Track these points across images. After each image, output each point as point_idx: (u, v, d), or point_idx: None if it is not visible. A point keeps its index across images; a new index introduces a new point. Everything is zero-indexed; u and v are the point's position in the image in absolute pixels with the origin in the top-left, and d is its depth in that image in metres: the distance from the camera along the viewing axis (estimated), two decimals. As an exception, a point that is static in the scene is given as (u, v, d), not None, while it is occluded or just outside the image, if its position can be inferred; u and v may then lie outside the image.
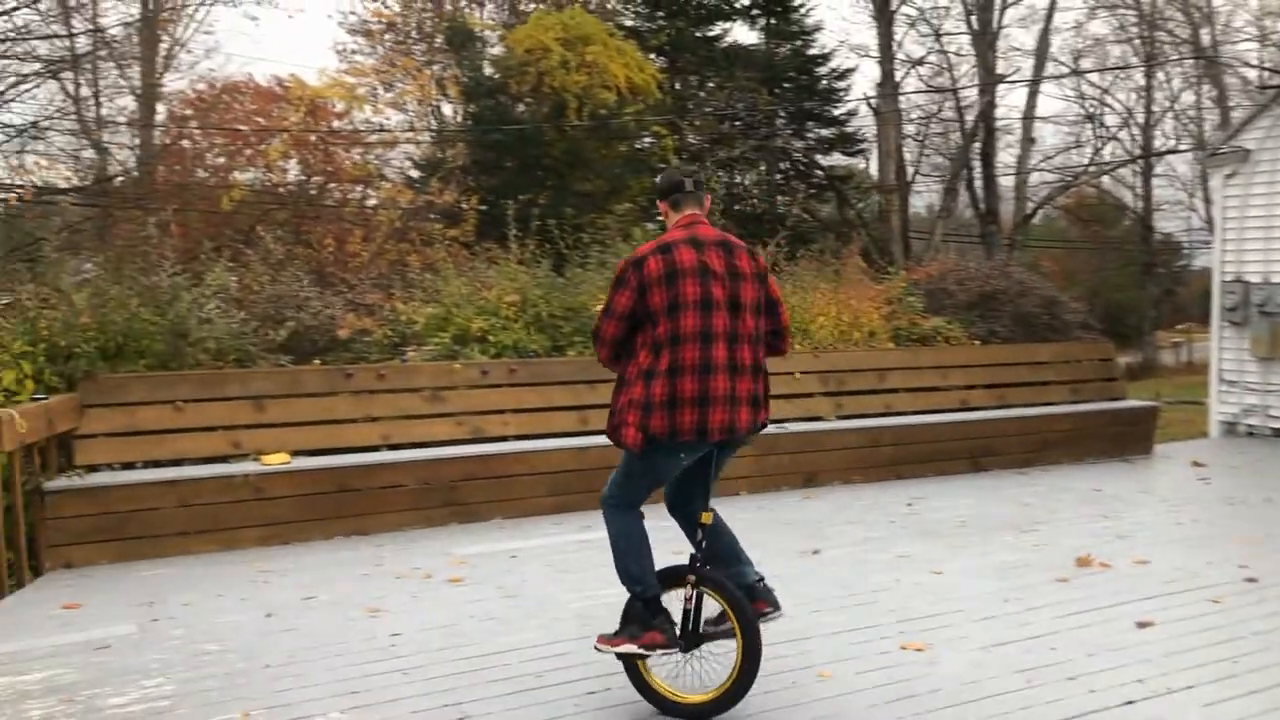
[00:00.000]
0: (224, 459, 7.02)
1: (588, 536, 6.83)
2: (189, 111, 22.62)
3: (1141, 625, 4.91)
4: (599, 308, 8.70)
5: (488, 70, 20.53)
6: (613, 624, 4.93)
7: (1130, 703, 3.99)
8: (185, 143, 21.62)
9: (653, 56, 22.91)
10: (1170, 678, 4.24)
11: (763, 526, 7.07)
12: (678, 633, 3.98)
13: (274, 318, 8.01)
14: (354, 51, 25.42)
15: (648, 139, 22.02)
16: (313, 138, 19.70)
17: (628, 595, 4.08)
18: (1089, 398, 10.17)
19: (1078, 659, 4.48)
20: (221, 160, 21.04)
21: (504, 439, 7.73)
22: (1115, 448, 9.84)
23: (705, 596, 4.00)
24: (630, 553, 4.11)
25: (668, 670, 4.11)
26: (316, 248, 17.12)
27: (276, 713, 4.00)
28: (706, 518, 4.11)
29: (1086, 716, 3.87)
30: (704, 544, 4.10)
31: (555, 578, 5.85)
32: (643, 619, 3.97)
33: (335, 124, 20.42)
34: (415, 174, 21.14)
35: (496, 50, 22.34)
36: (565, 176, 19.32)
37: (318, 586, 5.75)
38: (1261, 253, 10.93)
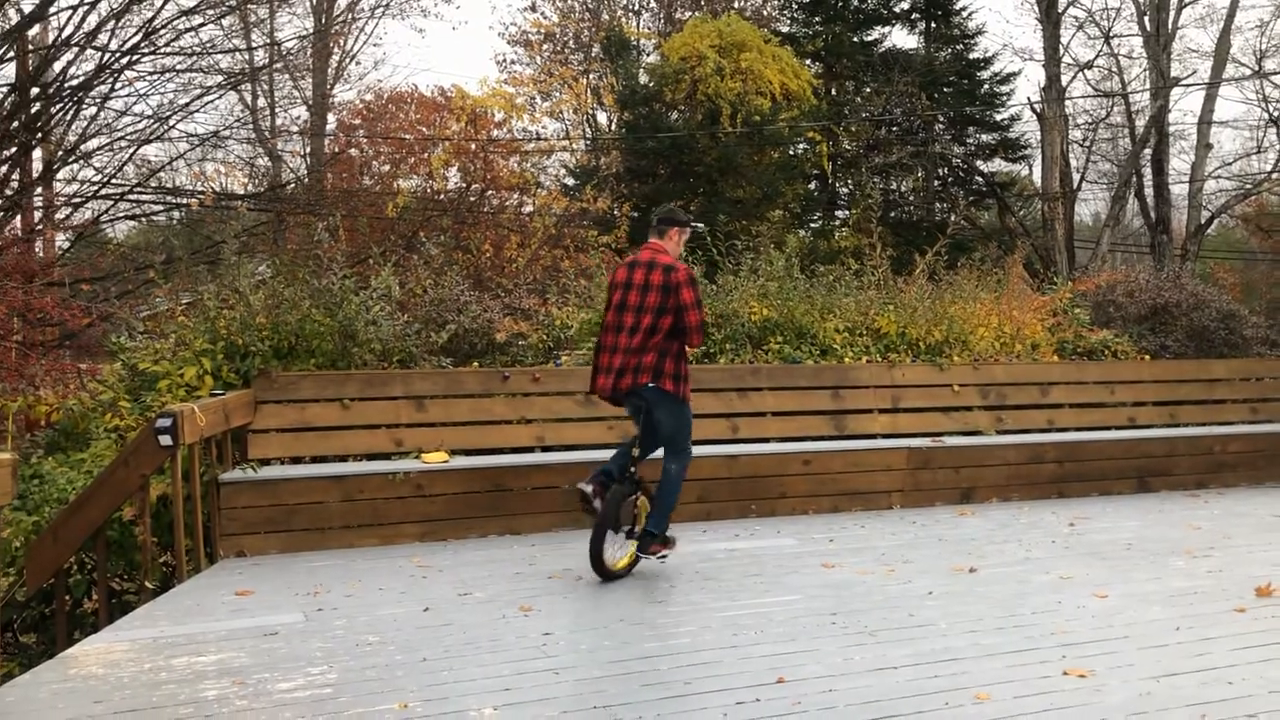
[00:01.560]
0: (386, 456, 7.27)
1: (737, 545, 6.81)
2: (357, 121, 23.61)
3: (1330, 662, 4.60)
4: (752, 313, 8.70)
5: (643, 79, 20.72)
6: (765, 632, 4.94)
7: (1317, 745, 3.74)
8: (353, 151, 22.58)
9: (809, 62, 22.72)
10: (1363, 720, 3.95)
11: (917, 543, 6.92)
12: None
13: (435, 320, 8.26)
14: (513, 62, 26.07)
15: (802, 145, 21.84)
16: (473, 146, 20.27)
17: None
18: (1270, 417, 9.59)
19: (1259, 695, 4.22)
20: (387, 168, 21.89)
21: (655, 445, 7.77)
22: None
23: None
24: None
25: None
26: (475, 253, 17.60)
27: (432, 705, 4.11)
28: (636, 453, 6.06)
29: (1268, 757, 3.64)
30: (633, 470, 6.03)
31: (703, 585, 5.85)
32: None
33: (494, 133, 20.97)
34: (570, 181, 21.51)
35: (652, 59, 22.52)
36: (717, 183, 19.33)
37: (473, 583, 5.90)
38: None
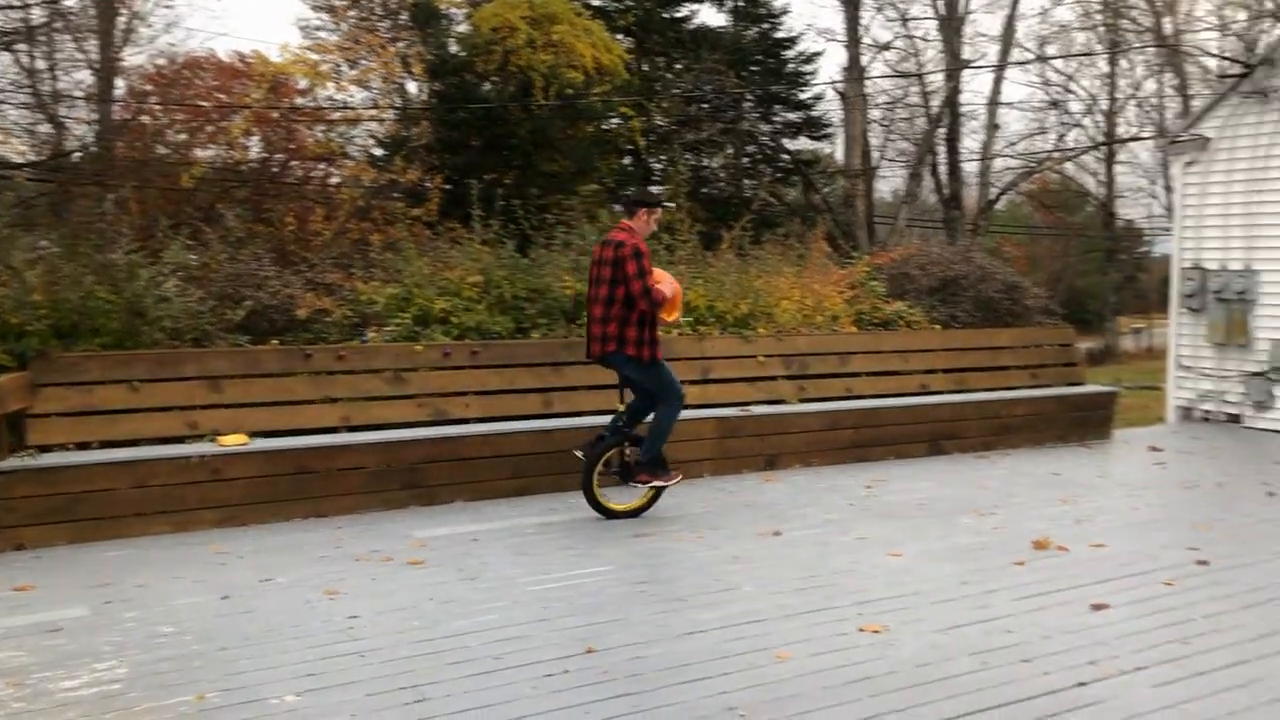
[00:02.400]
0: (181, 440, 6.93)
1: (550, 519, 6.82)
2: (149, 87, 22.26)
3: (1096, 608, 4.97)
4: (565, 287, 8.71)
5: (453, 48, 20.32)
6: (574, 604, 4.96)
7: (1082, 684, 4.04)
8: (145, 119, 21.29)
9: (620, 37, 22.78)
10: (1122, 659, 4.30)
11: (724, 509, 7.09)
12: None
13: (232, 297, 7.91)
14: (317, 27, 25.08)
15: (615, 120, 21.91)
16: (275, 115, 19.45)
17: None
18: (1049, 382, 10.27)
19: (1033, 641, 4.53)
20: (183, 137, 20.75)
21: (466, 421, 7.70)
22: (1074, 432, 9.95)
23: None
24: None
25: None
26: (278, 226, 16.93)
27: (232, 695, 3.96)
28: (621, 405, 6.89)
29: (1040, 698, 3.91)
30: (624, 427, 6.81)
31: (516, 560, 5.84)
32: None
33: (298, 101, 20.17)
34: (379, 152, 20.93)
35: (462, 28, 22.10)
36: (531, 156, 19.18)
37: (275, 569, 5.70)
38: (1219, 240, 11.06)
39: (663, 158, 23.47)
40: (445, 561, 5.82)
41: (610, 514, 6.82)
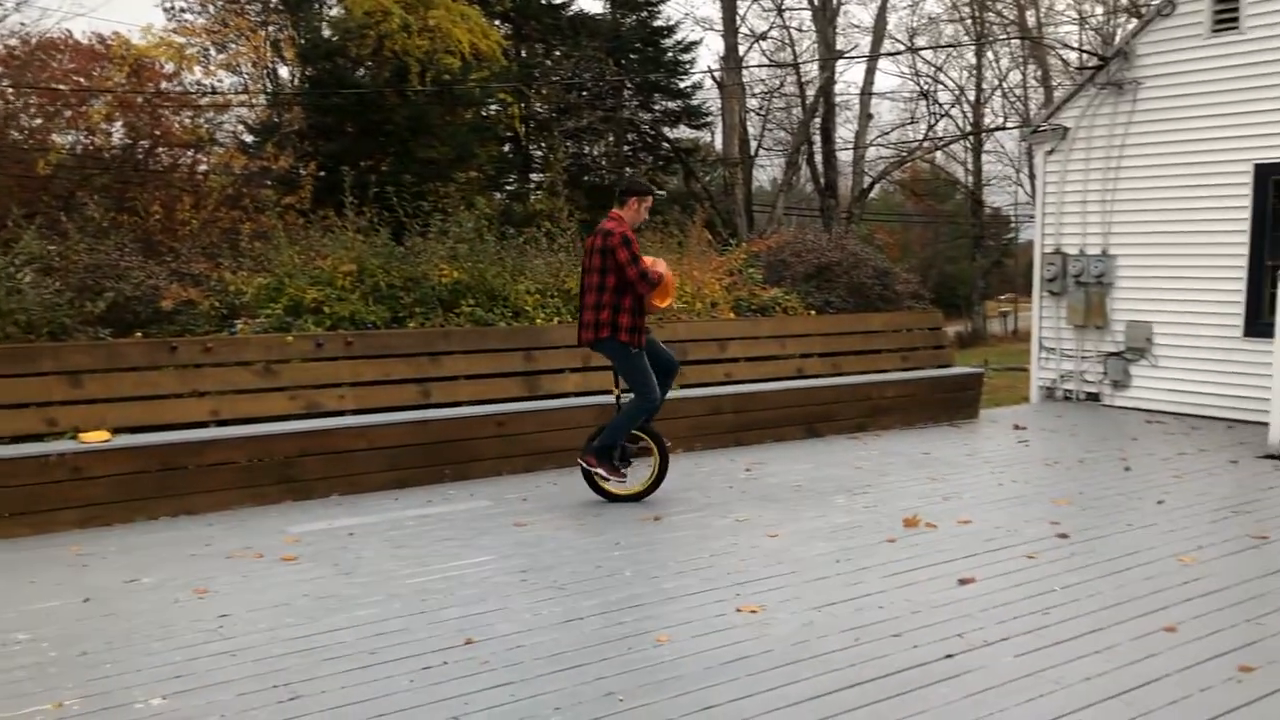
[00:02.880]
0: (40, 437, 6.63)
1: (429, 511, 6.74)
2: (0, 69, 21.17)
3: (963, 582, 5.15)
4: (443, 275, 8.60)
5: (326, 32, 19.86)
6: (454, 596, 4.92)
7: (950, 656, 4.18)
8: (-5, 102, 20.25)
9: (498, 23, 22.59)
10: (986, 631, 4.46)
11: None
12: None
13: (92, 289, 7.59)
14: (183, 10, 24.21)
15: (494, 106, 21.74)
16: (139, 99, 18.73)
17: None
18: (919, 365, 10.58)
19: (903, 616, 4.67)
20: (38, 121, 19.82)
21: (341, 413, 7.54)
22: (944, 413, 10.27)
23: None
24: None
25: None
26: (143, 215, 16.32)
27: (92, 702, 3.82)
28: (616, 389, 7.14)
29: (909, 671, 4.03)
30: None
31: (393, 554, 5.75)
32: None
33: (163, 85, 19.46)
34: (249, 139, 20.34)
35: (335, 11, 21.61)
36: (408, 143, 18.89)
37: (141, 569, 5.51)
38: (1078, 226, 11.53)
39: (543, 145, 23.38)
40: (320, 557, 5.70)
41: (610, 497, 6.95)
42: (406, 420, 7.50)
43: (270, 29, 22.46)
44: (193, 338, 7.48)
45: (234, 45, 21.44)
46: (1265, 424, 8.74)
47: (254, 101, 21.77)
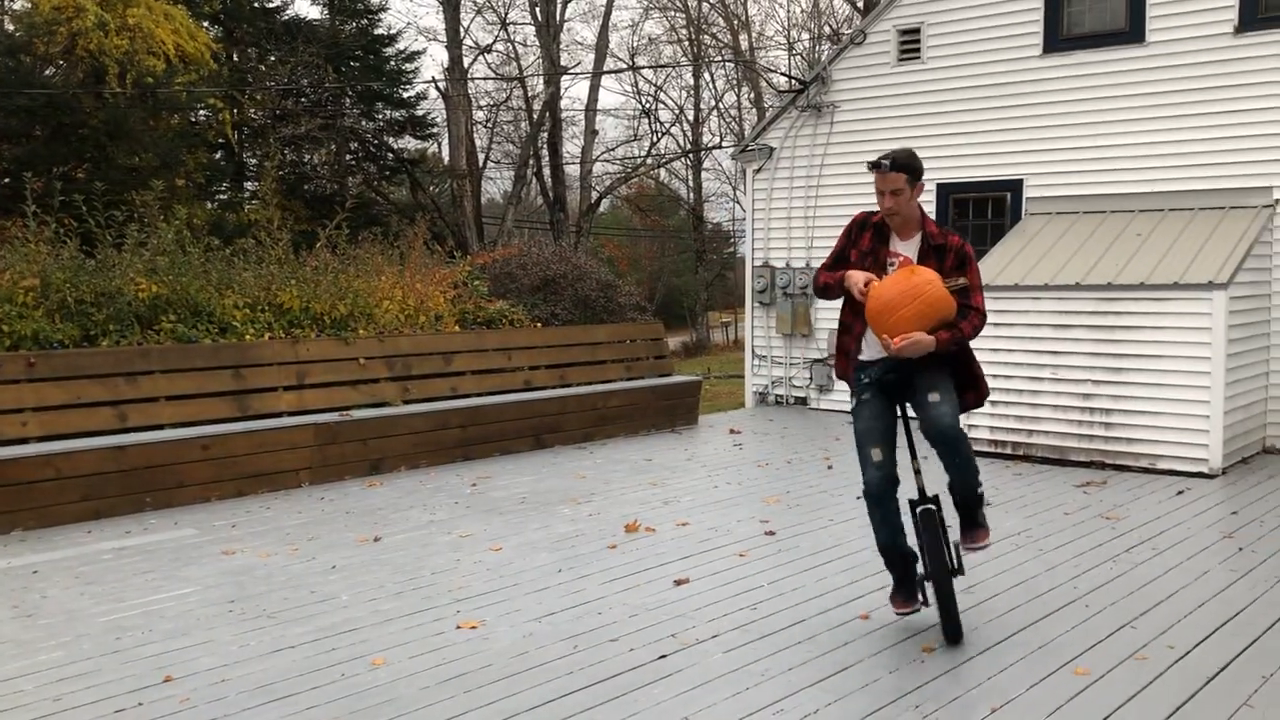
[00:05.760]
0: None
1: (127, 543, 6.27)
2: None
3: (678, 583, 5.32)
4: (140, 289, 8.00)
5: (9, 27, 18.16)
6: (153, 631, 4.60)
7: (663, 656, 4.30)
8: None
9: (206, 25, 21.42)
10: (699, 629, 4.62)
11: (324, 519, 6.86)
12: None
13: None
14: None
15: (203, 112, 20.59)
16: None
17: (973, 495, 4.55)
18: (642, 375, 10.87)
19: (621, 620, 4.76)
20: None
21: (24, 441, 6.89)
22: (665, 420, 10.59)
23: None
24: None
25: None
26: None
27: None
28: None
29: (625, 674, 4.11)
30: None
31: (84, 591, 5.31)
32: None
33: None
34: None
35: (19, 5, 19.82)
36: (107, 149, 17.56)
37: None
38: (784, 240, 12.21)
39: (257, 153, 22.35)
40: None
41: None
42: (101, 446, 6.94)
43: (-59, 19, 20.31)
44: None
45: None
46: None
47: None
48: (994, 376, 8.84)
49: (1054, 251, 9.22)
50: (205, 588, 5.34)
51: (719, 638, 4.52)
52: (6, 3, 20.41)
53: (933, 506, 4.42)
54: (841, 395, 11.78)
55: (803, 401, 12.18)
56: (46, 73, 18.04)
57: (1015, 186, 10.62)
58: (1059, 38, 10.27)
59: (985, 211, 10.93)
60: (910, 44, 11.14)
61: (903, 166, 4.39)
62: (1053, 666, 4.17)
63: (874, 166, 4.41)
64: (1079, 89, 10.16)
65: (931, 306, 4.15)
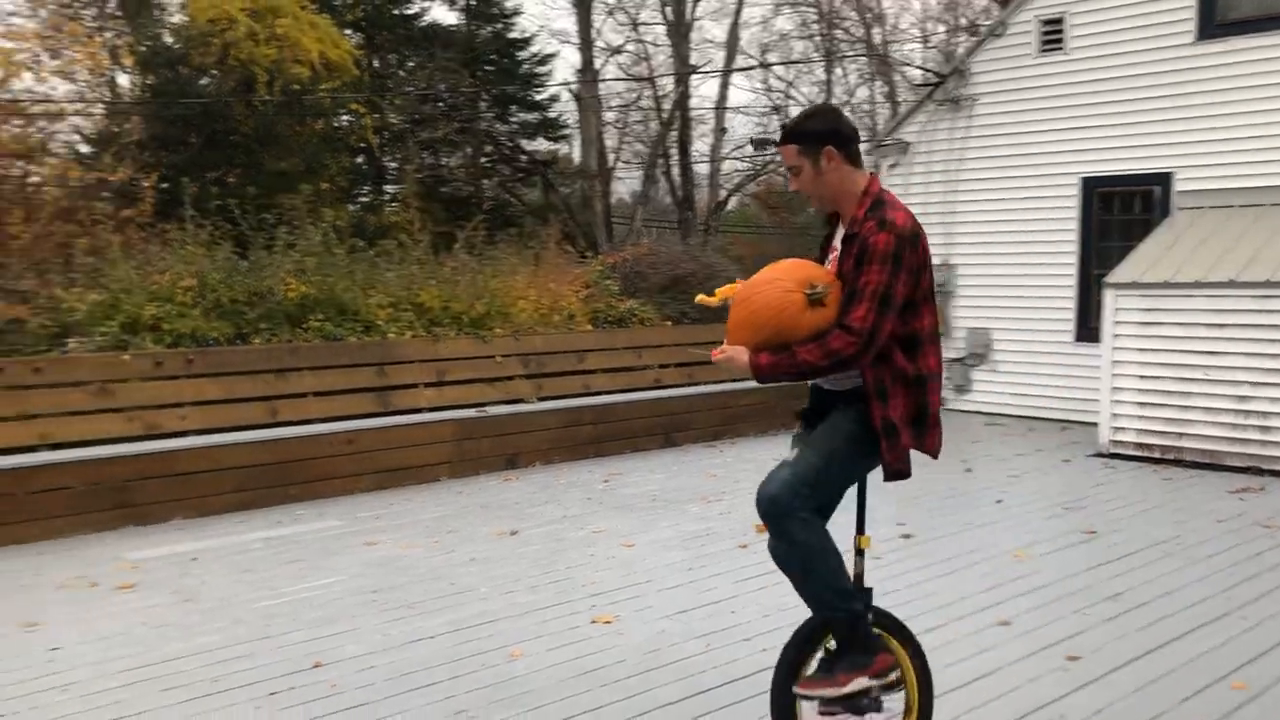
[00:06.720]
0: None
1: (277, 533, 6.55)
2: None
3: (811, 584, 5.26)
4: (289, 289, 8.35)
5: (167, 39, 19.12)
6: (301, 619, 4.78)
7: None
8: None
9: (349, 32, 22.15)
10: (832, 631, 4.57)
11: (462, 512, 7.04)
12: None
13: (-93, 307, 7.14)
14: (11, 13, 22.99)
15: (346, 117, 21.29)
16: (-39, 107, 17.67)
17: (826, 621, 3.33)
18: (773, 374, 10.79)
19: (754, 620, 4.75)
20: None
21: (183, 434, 7.27)
22: (796, 419, 10.47)
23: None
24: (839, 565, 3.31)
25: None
26: (-34, 229, 15.39)
27: (-97, 748, 3.59)
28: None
29: (758, 674, 4.10)
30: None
31: (238, 578, 5.57)
32: (865, 642, 3.23)
33: (-12, 92, 18.41)
34: (86, 149, 19.43)
35: (177, 18, 20.85)
36: (257, 154, 18.34)
37: (-38, 604, 5.19)
38: (920, 237, 11.96)
39: (397, 156, 23.01)
40: (159, 584, 5.48)
41: None
42: (253, 440, 7.27)
43: (108, 35, 21.52)
44: (21, 358, 7.09)
45: (68, 52, 20.45)
46: (1095, 424, 9.20)
47: (91, 111, 20.81)
48: (1141, 378, 8.52)
49: (1206, 247, 8.81)
50: (350, 577, 5.53)
51: (853, 640, 4.47)
52: (165, 17, 21.46)
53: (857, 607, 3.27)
54: (979, 396, 11.50)
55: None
56: (201, 82, 18.91)
57: (1164, 180, 10.18)
58: (1215, 23, 9.79)
59: (1132, 206, 10.52)
60: (1053, 34, 10.79)
61: (790, 134, 3.20)
62: (1207, 680, 4.00)
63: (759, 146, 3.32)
64: (1236, 76, 9.67)
65: (755, 315, 3.11)
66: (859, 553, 3.41)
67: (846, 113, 3.27)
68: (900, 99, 32.80)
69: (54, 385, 6.93)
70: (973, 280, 11.58)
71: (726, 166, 31.46)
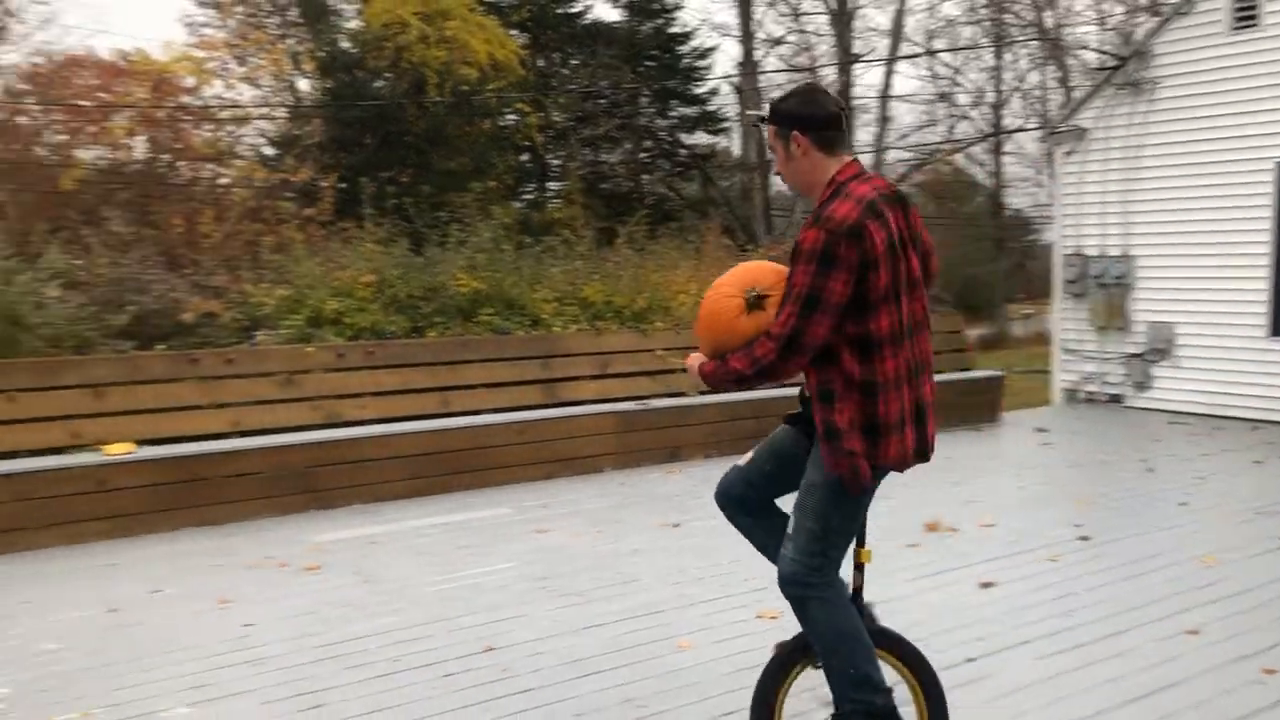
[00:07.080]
0: (64, 450, 6.70)
1: (449, 519, 6.77)
2: (25, 86, 21.44)
3: (984, 585, 5.13)
4: (461, 285, 8.63)
5: (344, 44, 19.99)
6: (474, 603, 4.92)
7: (971, 659, 4.17)
8: (22, 119, 20.50)
9: (514, 33, 22.67)
10: (1007, 634, 4.44)
11: (625, 503, 7.12)
12: None
13: (114, 302, 7.68)
14: (203, 24, 24.44)
15: (511, 116, 21.82)
16: (160, 114, 18.90)
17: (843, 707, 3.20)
18: (939, 369, 10.53)
19: (925, 620, 4.65)
20: (62, 137, 20.03)
21: (362, 423, 7.59)
22: (965, 416, 10.22)
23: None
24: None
25: None
26: (164, 229, 16.45)
27: (117, 711, 3.85)
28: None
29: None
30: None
31: (415, 561, 5.78)
32: None
33: (184, 99, 19.63)
34: (270, 151, 20.50)
35: (353, 24, 21.76)
36: (427, 154, 19.00)
37: (166, 579, 5.55)
38: (1097, 227, 11.47)
39: (560, 154, 23.44)
40: (342, 565, 5.74)
41: None
42: (427, 429, 7.53)
43: (290, 42, 22.63)
44: (214, 350, 7.55)
45: (254, 59, 21.59)
46: (1290, 424, 8.64)
47: (274, 114, 21.93)
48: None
49: None
50: (521, 564, 5.67)
51: (1029, 644, 4.33)
52: (342, 23, 22.43)
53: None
54: (1161, 393, 10.95)
55: (1116, 399, 11.40)
56: (376, 85, 19.70)
57: (1372, 162, 9.48)
58: None
59: (1335, 191, 9.82)
60: (1247, 10, 10.15)
61: (771, 115, 3.03)
62: None
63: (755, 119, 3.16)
64: None
65: (700, 321, 3.07)
66: (858, 567, 3.30)
67: (832, 92, 3.09)
68: (1074, 84, 31.49)
69: (244, 376, 7.34)
70: (1154, 272, 11.02)
71: (891, 156, 30.86)
